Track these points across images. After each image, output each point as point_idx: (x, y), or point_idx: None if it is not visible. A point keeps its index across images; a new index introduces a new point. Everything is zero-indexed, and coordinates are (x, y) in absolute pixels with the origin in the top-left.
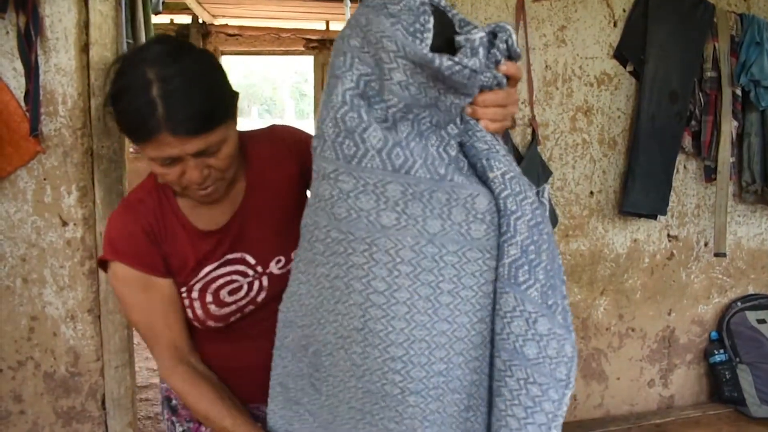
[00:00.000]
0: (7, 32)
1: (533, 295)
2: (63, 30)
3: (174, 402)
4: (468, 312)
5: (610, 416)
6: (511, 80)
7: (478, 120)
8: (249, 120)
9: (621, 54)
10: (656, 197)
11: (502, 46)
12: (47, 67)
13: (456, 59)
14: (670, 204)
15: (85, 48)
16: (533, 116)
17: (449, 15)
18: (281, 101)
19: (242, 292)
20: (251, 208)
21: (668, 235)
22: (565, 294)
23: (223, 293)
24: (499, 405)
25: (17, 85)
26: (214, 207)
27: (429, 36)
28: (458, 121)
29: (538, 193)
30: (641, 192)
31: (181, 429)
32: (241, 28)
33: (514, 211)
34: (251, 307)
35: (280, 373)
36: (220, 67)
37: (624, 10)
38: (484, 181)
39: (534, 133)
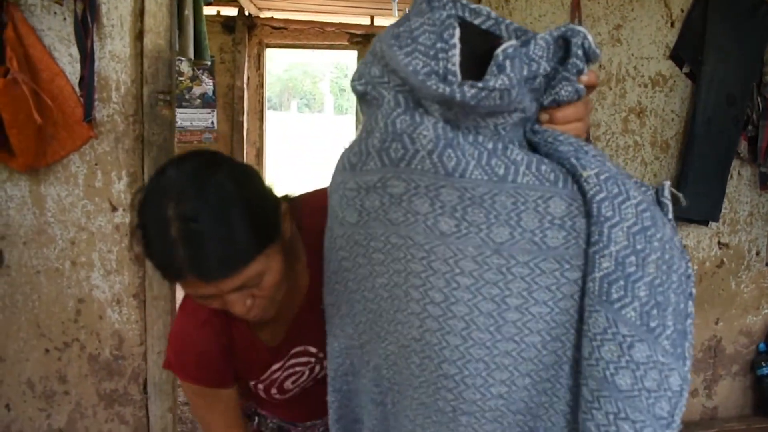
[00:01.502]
0: (65, 18)
1: (629, 315)
2: (119, 17)
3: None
4: (540, 331)
5: None
6: (589, 88)
7: None
8: (288, 113)
9: (677, 55)
10: (708, 203)
11: (579, 52)
12: (102, 53)
13: (479, 84)
14: (723, 210)
15: (139, 35)
16: None
17: (502, 25)
18: (320, 96)
19: (304, 377)
20: (313, 301)
21: (719, 243)
22: (688, 312)
23: (287, 384)
24: None
25: (72, 70)
26: (277, 316)
27: (454, 53)
28: (526, 133)
29: (656, 192)
30: (693, 197)
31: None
32: (286, 21)
33: (610, 217)
34: (311, 383)
35: (339, 401)
36: (255, 183)
37: (682, 10)
38: (576, 181)
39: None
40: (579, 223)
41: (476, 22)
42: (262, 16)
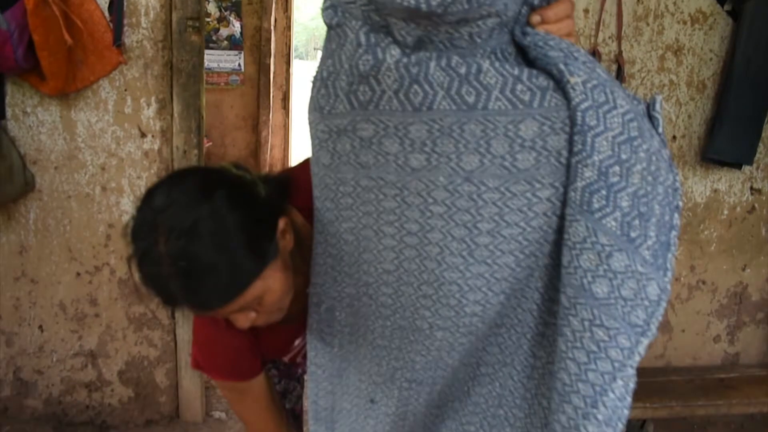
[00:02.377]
0: None
1: (610, 225)
2: None
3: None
4: (513, 251)
5: (671, 367)
6: None
7: None
8: (314, 63)
9: None
10: (743, 145)
11: None
12: None
13: None
14: (757, 155)
15: None
16: (620, 52)
17: None
18: None
19: None
20: None
21: (751, 188)
22: (673, 224)
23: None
24: (561, 346)
25: None
26: (295, 300)
27: None
28: (515, 36)
29: (648, 107)
30: (728, 139)
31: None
32: None
33: (593, 126)
34: None
35: (308, 331)
36: (251, 204)
37: None
38: (561, 88)
39: (620, 70)
40: (551, 141)
41: None
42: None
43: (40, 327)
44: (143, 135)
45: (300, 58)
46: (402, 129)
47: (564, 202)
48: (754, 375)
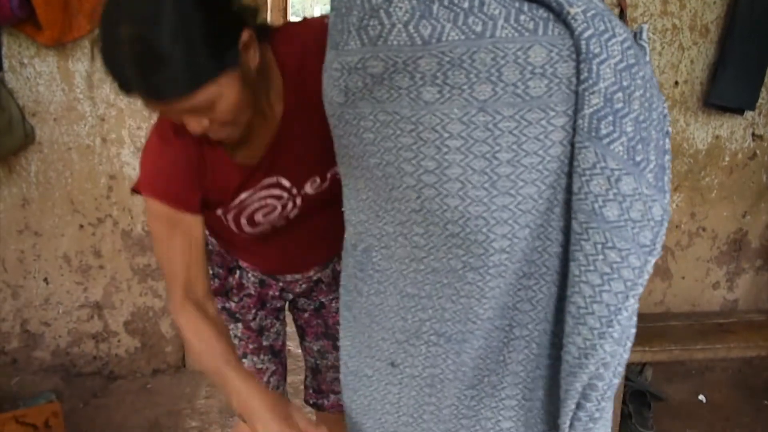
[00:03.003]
0: None
1: (617, 150)
2: None
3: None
4: (535, 181)
5: (670, 313)
6: None
7: None
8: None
9: None
10: (746, 90)
11: None
12: None
13: None
14: (759, 100)
15: None
16: None
17: None
18: None
19: (276, 213)
20: (289, 132)
21: (753, 134)
22: (666, 149)
23: (258, 216)
24: (573, 270)
25: None
26: (252, 138)
27: None
28: None
29: (635, 36)
30: (731, 83)
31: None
32: None
33: (598, 53)
34: (282, 222)
35: (343, 275)
36: (218, 7)
37: None
38: (562, 20)
39: (622, 14)
40: (561, 69)
41: None
42: None
43: (45, 279)
44: None
45: (296, 16)
46: (411, 64)
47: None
48: (753, 320)
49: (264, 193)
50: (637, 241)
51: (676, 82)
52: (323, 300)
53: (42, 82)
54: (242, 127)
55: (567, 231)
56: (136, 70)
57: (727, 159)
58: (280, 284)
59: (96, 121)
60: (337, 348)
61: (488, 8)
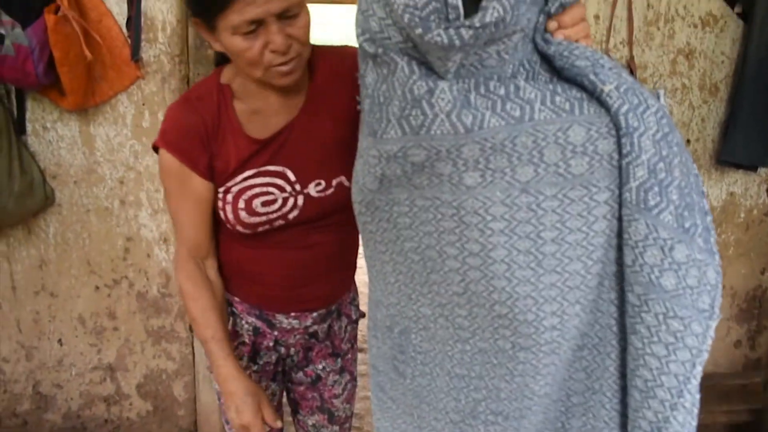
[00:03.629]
0: None
1: (667, 219)
2: None
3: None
4: (581, 257)
5: None
6: None
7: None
8: None
9: None
10: (758, 148)
11: None
12: None
13: (475, 24)
14: None
15: None
16: (632, 57)
17: None
18: None
19: (275, 206)
20: (304, 124)
21: (767, 191)
22: (706, 210)
23: (256, 202)
24: (635, 344)
25: (120, 11)
26: (268, 114)
27: None
28: (538, 45)
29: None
30: (742, 141)
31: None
32: None
33: (637, 127)
34: (281, 222)
35: (374, 354)
36: None
37: None
38: (596, 98)
39: (632, 75)
40: (601, 145)
41: None
42: None
43: (59, 341)
44: None
45: None
46: (454, 151)
47: (620, 204)
48: None
49: (267, 179)
50: (696, 308)
51: (688, 141)
52: (319, 371)
53: (64, 145)
54: (302, 67)
55: (618, 302)
56: None
57: (742, 215)
58: (275, 333)
59: (115, 183)
60: (333, 422)
61: (524, 93)
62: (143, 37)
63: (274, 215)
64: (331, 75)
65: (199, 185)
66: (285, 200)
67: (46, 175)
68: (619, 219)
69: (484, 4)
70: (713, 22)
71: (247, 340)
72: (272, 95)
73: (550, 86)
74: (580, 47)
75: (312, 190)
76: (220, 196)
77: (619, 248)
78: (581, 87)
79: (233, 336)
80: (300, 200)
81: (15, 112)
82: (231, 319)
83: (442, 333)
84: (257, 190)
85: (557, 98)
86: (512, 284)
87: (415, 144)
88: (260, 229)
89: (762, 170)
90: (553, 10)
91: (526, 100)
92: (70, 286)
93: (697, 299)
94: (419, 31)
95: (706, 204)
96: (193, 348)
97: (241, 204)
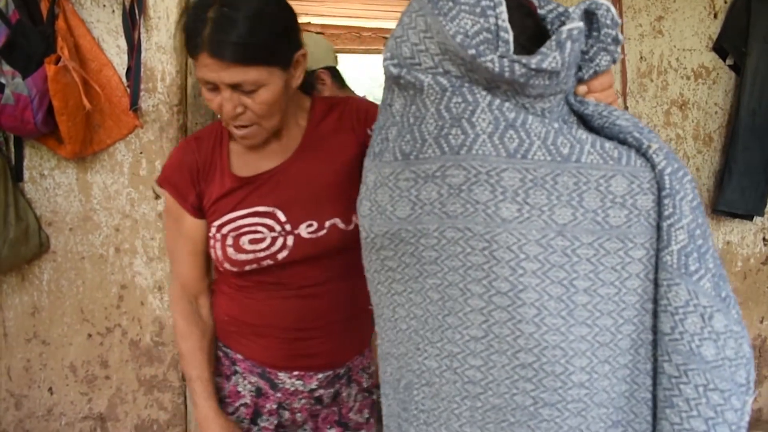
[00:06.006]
0: (113, 11)
1: (706, 286)
2: (165, 9)
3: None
4: (611, 312)
5: None
6: None
7: None
8: None
9: (721, 47)
10: (753, 197)
11: (609, 21)
12: (149, 45)
13: (531, 63)
14: None
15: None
16: (626, 108)
17: None
18: None
19: (263, 244)
20: (298, 166)
21: (764, 239)
22: (727, 279)
23: (244, 240)
24: (672, 418)
25: (120, 61)
26: (260, 156)
27: (502, 9)
28: (573, 106)
29: None
30: (737, 190)
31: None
32: (323, 26)
33: (678, 190)
34: (269, 261)
35: (385, 414)
36: (291, 19)
37: (725, 1)
38: (643, 154)
39: None
40: (641, 201)
41: None
42: (300, 21)
43: (50, 389)
44: (157, 197)
45: None
46: (495, 176)
47: (655, 266)
48: None
49: (257, 219)
50: (735, 381)
51: None
52: None
53: (60, 192)
54: (267, 133)
55: (655, 374)
56: (213, 28)
57: (739, 264)
58: (278, 395)
59: (111, 231)
60: None
61: (577, 132)
62: (142, 86)
63: (262, 254)
64: (331, 121)
65: (191, 223)
66: (274, 239)
67: (42, 222)
68: (655, 283)
69: (544, 50)
70: (706, 74)
71: (249, 401)
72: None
73: (599, 136)
74: (618, 110)
75: (303, 230)
76: (211, 233)
77: (654, 315)
78: (624, 142)
79: (234, 396)
80: (290, 240)
81: (13, 159)
82: (233, 378)
83: (447, 388)
84: (246, 228)
85: (607, 145)
86: (541, 331)
87: (455, 164)
88: (247, 267)
89: (758, 219)
90: (586, 76)
91: (578, 139)
92: (63, 333)
93: (735, 372)
94: (472, 52)
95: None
96: (185, 398)
97: (229, 241)
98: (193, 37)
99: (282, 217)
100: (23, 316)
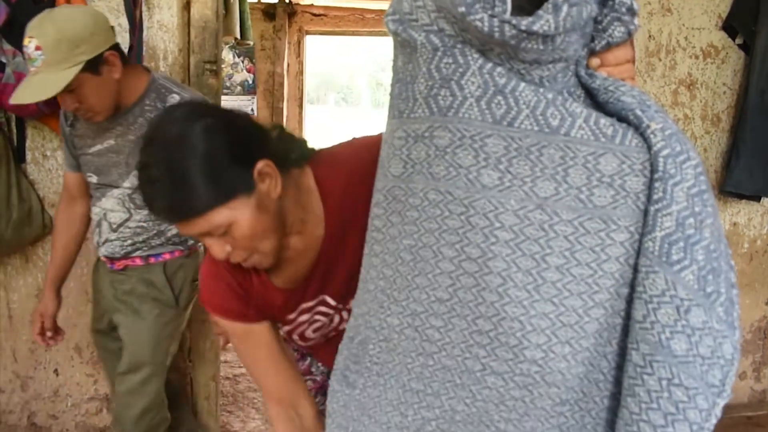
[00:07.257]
0: None
1: (688, 278)
2: None
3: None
4: (582, 294)
5: None
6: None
7: None
8: (325, 107)
9: (730, 26)
10: (761, 178)
11: None
12: (150, 23)
13: (522, 26)
14: None
15: (186, 6)
16: None
17: None
18: (358, 90)
19: (325, 329)
20: (331, 256)
21: None
22: (733, 282)
23: (308, 332)
24: (632, 407)
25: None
26: (294, 260)
27: None
28: (581, 78)
29: None
30: (745, 171)
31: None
32: (326, 8)
33: (673, 174)
34: (333, 333)
35: (334, 368)
36: (231, 138)
37: None
38: (641, 133)
39: None
40: (630, 183)
41: None
42: (302, 3)
43: (56, 371)
44: None
45: (311, 103)
46: (479, 141)
47: (638, 252)
48: None
49: (309, 314)
50: (705, 380)
51: None
52: None
53: (63, 173)
54: (271, 254)
55: (613, 359)
56: (148, 193)
57: (746, 246)
58: None
59: None
60: None
61: (571, 105)
62: (145, 65)
63: (326, 332)
64: (342, 195)
65: (263, 331)
66: (331, 319)
67: (45, 204)
68: (635, 269)
69: (540, 12)
70: (714, 54)
71: (318, 378)
72: (291, 240)
73: (596, 111)
74: (627, 85)
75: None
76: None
77: (629, 301)
78: (625, 120)
79: (306, 373)
80: (345, 314)
81: (15, 140)
82: (308, 359)
83: (405, 344)
84: (305, 325)
85: (602, 121)
86: (503, 301)
87: (442, 125)
88: (315, 342)
89: (765, 200)
90: (598, 48)
91: (570, 112)
92: (67, 315)
93: (707, 371)
94: (462, 9)
95: (734, 277)
96: (190, 378)
97: (295, 336)
98: (145, 197)
99: (332, 302)
100: (28, 297)
